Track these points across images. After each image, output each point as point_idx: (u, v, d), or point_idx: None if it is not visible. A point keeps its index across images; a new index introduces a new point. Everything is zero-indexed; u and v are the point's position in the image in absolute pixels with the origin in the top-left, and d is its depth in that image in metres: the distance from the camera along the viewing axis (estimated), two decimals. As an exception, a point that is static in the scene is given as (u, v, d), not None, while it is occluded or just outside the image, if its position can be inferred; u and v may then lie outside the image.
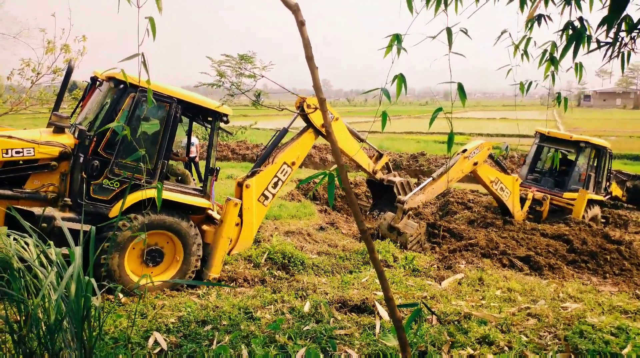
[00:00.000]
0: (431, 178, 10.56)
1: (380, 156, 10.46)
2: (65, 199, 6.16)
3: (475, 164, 10.83)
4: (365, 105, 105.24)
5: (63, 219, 5.87)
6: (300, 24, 2.40)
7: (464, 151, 10.80)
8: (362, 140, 9.75)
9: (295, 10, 2.42)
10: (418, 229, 9.77)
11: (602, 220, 13.34)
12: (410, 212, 9.94)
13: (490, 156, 11.21)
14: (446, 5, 3.57)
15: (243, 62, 5.36)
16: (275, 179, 7.85)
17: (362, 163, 10.02)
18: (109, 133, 6.30)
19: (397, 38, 2.62)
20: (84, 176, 6.22)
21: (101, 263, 6.09)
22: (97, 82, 7.18)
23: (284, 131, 8.15)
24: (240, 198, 7.47)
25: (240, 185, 7.63)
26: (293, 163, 8.07)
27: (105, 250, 6.02)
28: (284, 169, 7.95)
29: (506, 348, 5.10)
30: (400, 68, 2.72)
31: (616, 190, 15.14)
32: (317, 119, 8.31)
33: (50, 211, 5.96)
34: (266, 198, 7.79)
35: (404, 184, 10.32)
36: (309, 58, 2.35)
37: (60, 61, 11.98)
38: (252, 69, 5.24)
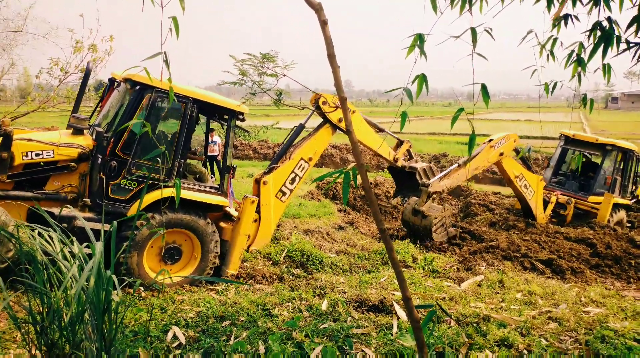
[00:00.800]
0: (457, 164, 10.50)
1: (401, 143, 10.24)
2: (85, 199, 6.29)
3: (501, 154, 10.67)
4: (388, 105, 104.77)
5: (83, 219, 5.99)
6: (323, 23, 2.41)
7: (490, 140, 10.66)
8: (380, 129, 9.66)
9: (318, 9, 2.43)
10: (443, 212, 9.66)
11: (628, 224, 13.06)
12: (434, 196, 9.87)
13: (516, 151, 11.05)
14: (471, 4, 3.53)
15: (265, 61, 5.40)
16: (293, 175, 7.88)
17: (382, 153, 9.88)
18: (127, 134, 6.38)
19: (420, 38, 2.60)
20: (102, 176, 6.33)
21: (120, 261, 6.18)
22: (115, 84, 7.27)
23: (301, 128, 8.17)
24: (258, 194, 7.52)
25: (257, 182, 7.68)
26: (310, 159, 8.08)
27: (124, 249, 6.11)
28: (301, 165, 7.97)
29: (525, 351, 5.04)
30: (423, 68, 2.70)
31: None
32: (333, 114, 8.31)
33: (70, 211, 6.06)
34: (284, 194, 7.82)
35: (426, 170, 10.13)
36: (331, 56, 2.35)
37: (87, 60, 12.25)
38: (274, 68, 5.28)
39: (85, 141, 6.44)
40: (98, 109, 7.67)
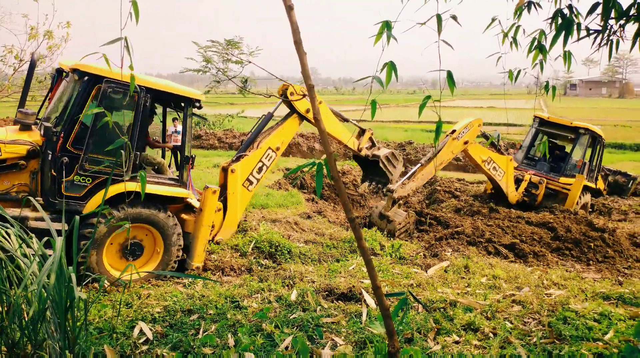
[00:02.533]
0: (419, 164, 10.54)
1: (363, 131, 10.11)
2: (37, 198, 6.01)
3: (466, 143, 10.79)
4: (353, 93, 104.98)
5: (36, 219, 5.76)
6: (289, 8, 2.36)
7: (453, 131, 10.75)
8: (345, 119, 9.65)
9: (282, -6, 2.37)
10: (407, 218, 9.80)
11: (590, 209, 13.49)
12: (400, 201, 9.97)
13: (485, 136, 11.21)
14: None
15: (230, 48, 5.28)
16: (260, 164, 7.83)
17: (349, 144, 9.82)
18: (77, 128, 6.12)
19: (387, 25, 2.58)
20: (54, 173, 6.05)
21: (79, 261, 5.98)
22: (64, 74, 6.91)
23: (269, 116, 8.10)
24: (225, 183, 7.41)
25: (225, 170, 7.58)
26: (277, 148, 8.04)
27: (83, 248, 5.90)
28: (268, 154, 7.93)
29: (491, 334, 5.15)
30: (389, 57, 2.68)
31: (599, 183, 15.39)
32: (301, 105, 8.25)
33: (22, 211, 5.77)
34: (250, 183, 7.76)
35: (389, 157, 10.08)
36: (297, 43, 2.30)
37: (43, 47, 11.79)
38: (239, 55, 5.17)
39: (34, 137, 6.14)
40: (46, 102, 7.30)
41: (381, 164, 9.94)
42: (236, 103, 51.40)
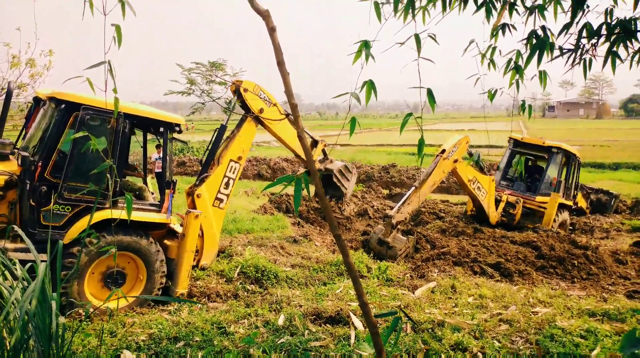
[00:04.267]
0: (413, 187, 10.62)
1: (316, 143, 9.79)
2: (16, 229, 5.90)
3: (456, 161, 10.93)
4: (337, 118, 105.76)
5: (15, 250, 5.64)
6: (272, 30, 2.40)
7: (442, 151, 10.89)
8: (315, 142, 9.53)
9: (265, 16, 2.42)
10: (407, 243, 9.81)
11: (570, 227, 13.67)
12: (398, 226, 9.98)
13: (470, 154, 11.35)
14: (414, 14, 3.63)
15: (214, 69, 5.30)
16: (226, 180, 7.72)
17: (300, 153, 9.41)
18: (55, 156, 6.04)
19: (366, 44, 2.64)
20: (33, 203, 5.93)
21: (61, 292, 5.84)
22: (41, 103, 6.83)
23: (223, 128, 7.88)
24: (194, 208, 7.31)
25: (190, 195, 7.47)
26: (240, 158, 7.89)
27: (64, 278, 5.72)
28: (231, 166, 7.79)
29: (479, 354, 5.14)
30: (372, 80, 2.72)
31: (581, 201, 15.62)
32: (254, 103, 8.02)
33: (1, 243, 5.65)
34: (221, 201, 7.66)
35: (342, 171, 9.94)
36: (280, 63, 2.34)
37: (25, 75, 11.73)
38: (222, 76, 5.19)
39: (11, 166, 6.05)
40: (24, 131, 7.20)
41: (334, 179, 9.83)
42: (217, 129, 51.24)
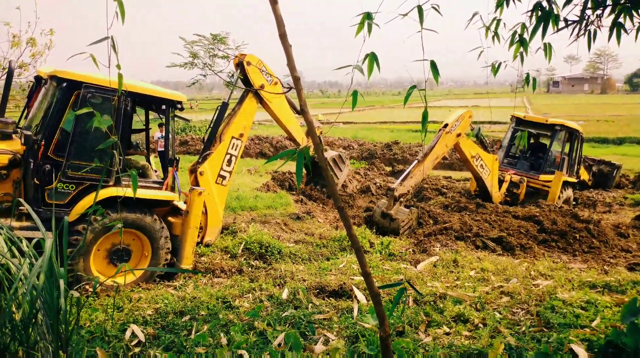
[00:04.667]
0: (416, 161, 10.62)
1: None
2: (21, 207, 5.96)
3: (459, 135, 10.87)
4: (339, 96, 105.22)
5: (21, 228, 5.70)
6: (274, 2, 2.39)
7: (445, 125, 10.84)
8: (298, 112, 9.07)
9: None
10: (409, 215, 9.84)
11: (573, 202, 13.68)
12: (401, 199, 10.01)
13: (476, 136, 11.29)
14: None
15: (216, 43, 5.25)
16: (228, 157, 7.71)
17: (297, 137, 9.41)
18: (58, 135, 6.07)
19: (368, 16, 2.63)
20: (37, 182, 5.99)
21: (67, 269, 5.90)
22: (42, 82, 6.83)
23: (225, 106, 7.84)
24: (197, 185, 7.33)
25: (193, 172, 7.49)
26: (241, 135, 7.87)
27: (70, 255, 5.82)
28: (233, 143, 7.78)
29: (481, 325, 5.22)
30: (374, 53, 2.70)
31: (584, 174, 15.59)
32: (255, 78, 7.94)
33: (6, 221, 5.71)
34: (223, 178, 7.67)
35: (336, 160, 9.75)
36: (282, 36, 2.34)
37: (26, 55, 11.69)
38: (225, 50, 5.14)
39: (14, 145, 6.08)
40: (26, 110, 7.21)
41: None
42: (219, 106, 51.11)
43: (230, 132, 7.76)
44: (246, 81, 7.95)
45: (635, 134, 28.69)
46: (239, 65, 7.83)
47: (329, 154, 9.73)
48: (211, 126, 7.80)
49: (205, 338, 4.79)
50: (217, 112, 7.78)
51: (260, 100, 8.11)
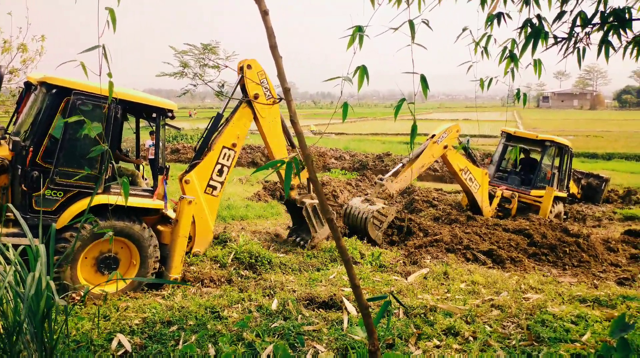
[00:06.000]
0: (401, 164, 10.65)
1: (303, 168, 8.90)
2: (8, 213, 5.90)
3: (445, 147, 10.91)
4: (331, 107, 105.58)
5: (7, 235, 5.63)
6: (264, 13, 2.40)
7: (433, 136, 10.89)
8: (292, 145, 8.70)
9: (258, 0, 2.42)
10: (393, 214, 9.89)
11: (564, 216, 13.76)
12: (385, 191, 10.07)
13: (464, 148, 11.35)
14: (408, 2, 3.62)
15: (206, 52, 5.26)
16: (219, 167, 7.58)
17: (277, 156, 8.49)
18: (46, 141, 6.01)
19: (359, 29, 2.64)
20: (25, 188, 5.91)
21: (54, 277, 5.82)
22: (32, 88, 6.79)
23: (219, 116, 7.72)
24: (184, 194, 7.28)
25: (181, 181, 7.46)
26: (234, 145, 7.70)
27: (56, 263, 5.72)
28: (225, 153, 7.62)
29: (471, 338, 5.20)
30: (364, 65, 2.72)
31: (573, 187, 15.71)
32: (251, 86, 7.74)
33: None
34: (213, 188, 7.55)
35: (316, 209, 8.82)
36: (273, 47, 2.35)
37: (17, 60, 11.65)
38: (215, 60, 5.15)
39: (2, 151, 6.02)
40: (15, 116, 7.14)
41: (304, 213, 8.73)
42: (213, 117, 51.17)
43: (221, 142, 7.67)
44: (244, 89, 7.82)
45: (623, 149, 29.01)
46: (241, 70, 7.70)
47: (313, 201, 8.83)
48: (204, 135, 7.75)
49: (193, 348, 4.74)
50: (211, 123, 7.69)
51: (254, 111, 7.92)
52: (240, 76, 7.69)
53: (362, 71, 2.60)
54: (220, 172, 7.62)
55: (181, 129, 22.36)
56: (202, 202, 7.42)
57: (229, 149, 7.70)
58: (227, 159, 7.67)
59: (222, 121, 7.87)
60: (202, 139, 7.74)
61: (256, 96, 7.85)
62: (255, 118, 8.04)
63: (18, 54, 11.18)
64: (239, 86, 7.93)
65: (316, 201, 8.63)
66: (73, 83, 6.03)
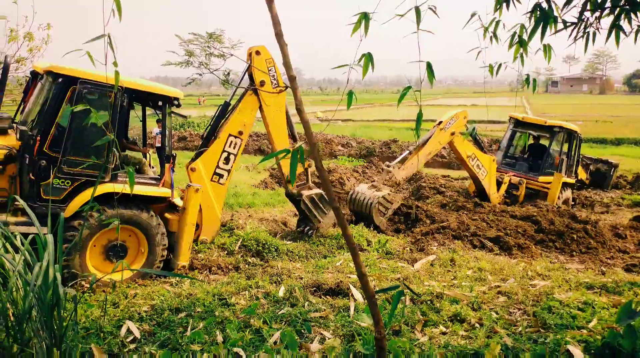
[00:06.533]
0: (407, 152, 10.62)
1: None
2: (16, 203, 5.93)
3: (453, 134, 10.86)
4: (338, 93, 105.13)
5: (17, 223, 5.68)
6: (269, 0, 2.38)
7: (440, 122, 10.84)
8: (294, 138, 8.70)
9: (262, -14, 2.39)
10: (399, 201, 9.85)
11: (572, 202, 13.69)
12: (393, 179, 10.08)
13: (471, 135, 11.31)
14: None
15: (212, 41, 5.23)
16: (225, 155, 7.57)
17: (284, 165, 8.50)
18: (53, 130, 6.03)
19: (365, 16, 2.62)
20: (32, 177, 5.95)
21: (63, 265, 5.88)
22: (38, 77, 6.81)
23: (226, 105, 7.70)
24: (191, 182, 7.30)
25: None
26: (240, 133, 7.67)
27: (65, 251, 5.79)
28: (231, 141, 7.59)
29: (477, 325, 5.21)
30: (374, 55, 2.69)
31: (581, 173, 15.60)
32: (258, 73, 7.68)
33: (1, 217, 5.63)
34: (220, 176, 7.56)
35: (315, 200, 8.61)
36: (278, 35, 2.33)
37: (23, 49, 11.67)
38: (221, 49, 5.13)
39: (10, 140, 6.05)
40: (22, 105, 7.17)
41: (303, 206, 8.58)
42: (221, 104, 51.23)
43: (227, 130, 7.65)
44: (251, 76, 7.75)
45: (633, 135, 28.72)
46: (250, 56, 7.64)
47: (310, 191, 8.58)
48: (211, 123, 7.74)
49: (201, 335, 4.78)
50: (218, 111, 7.68)
51: (259, 99, 7.86)
52: (248, 62, 7.63)
53: (367, 58, 2.58)
54: (227, 160, 7.61)
55: (187, 117, 22.38)
56: (209, 190, 7.44)
57: (236, 137, 7.67)
58: (234, 147, 7.65)
59: (229, 109, 7.85)
60: (210, 127, 7.73)
61: (262, 84, 7.77)
62: (260, 106, 7.98)
63: (25, 43, 11.20)
64: (247, 74, 7.87)
65: (313, 192, 8.57)
66: (79, 72, 6.03)
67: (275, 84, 7.88)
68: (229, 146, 7.62)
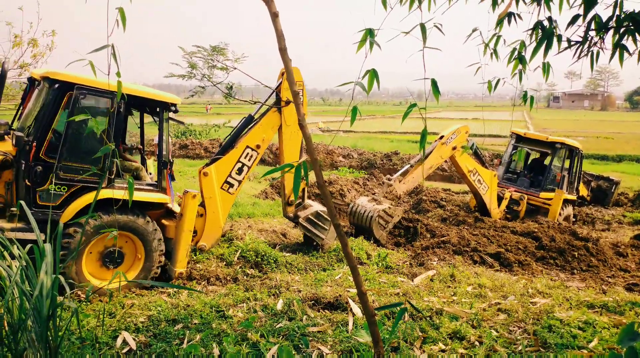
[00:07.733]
0: (409, 165, 10.60)
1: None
2: (12, 209, 5.88)
3: (454, 149, 10.85)
4: (340, 104, 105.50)
5: (13, 230, 5.65)
6: (274, 15, 2.37)
7: (441, 137, 10.84)
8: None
9: (268, 1, 2.39)
10: (399, 215, 9.80)
11: (573, 219, 13.64)
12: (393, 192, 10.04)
13: (471, 149, 11.30)
14: (420, 1, 3.58)
15: (215, 54, 5.24)
16: (239, 165, 7.56)
17: (287, 183, 8.49)
18: (49, 136, 6.03)
19: (370, 32, 2.61)
20: (28, 183, 5.94)
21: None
22: (36, 83, 6.79)
23: (250, 118, 7.75)
24: (201, 186, 7.29)
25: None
26: (258, 146, 7.67)
27: (61, 259, 5.74)
28: (247, 153, 7.59)
29: (477, 343, 5.16)
30: (376, 68, 2.69)
31: (582, 189, 15.57)
32: (284, 93, 7.76)
33: None
34: (231, 185, 7.53)
35: (312, 220, 8.51)
36: (282, 50, 2.32)
37: (27, 55, 11.71)
38: (224, 61, 5.13)
39: (6, 146, 6.04)
40: (20, 112, 7.19)
41: (301, 229, 8.63)
42: (223, 113, 51.47)
43: (246, 141, 7.65)
44: (277, 95, 7.82)
45: (634, 152, 28.70)
46: (282, 76, 7.71)
47: (307, 211, 8.54)
48: (231, 133, 7.75)
49: (198, 348, 4.73)
50: (241, 123, 7.73)
51: (282, 116, 7.92)
52: (279, 81, 7.71)
53: (372, 74, 2.56)
54: (240, 171, 7.60)
55: (185, 124, 22.36)
56: (217, 197, 7.41)
57: (253, 149, 7.67)
58: (249, 159, 7.66)
59: (252, 123, 7.85)
60: (229, 136, 7.75)
61: (287, 103, 7.84)
62: (281, 125, 8.02)
63: (29, 49, 11.25)
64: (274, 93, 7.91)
65: (309, 211, 8.54)
66: (76, 78, 6.04)
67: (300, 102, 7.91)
68: (244, 157, 7.62)
